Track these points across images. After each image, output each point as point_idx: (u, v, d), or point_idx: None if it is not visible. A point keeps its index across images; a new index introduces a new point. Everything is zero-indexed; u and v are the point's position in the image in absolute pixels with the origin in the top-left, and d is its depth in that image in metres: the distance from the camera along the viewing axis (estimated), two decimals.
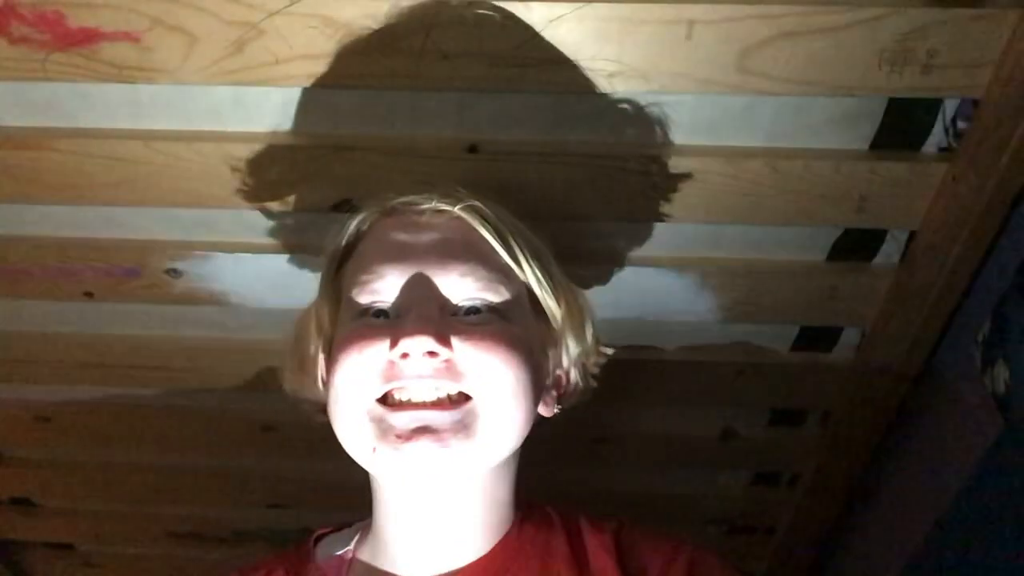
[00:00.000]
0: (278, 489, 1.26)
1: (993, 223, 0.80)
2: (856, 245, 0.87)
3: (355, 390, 0.57)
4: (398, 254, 0.60)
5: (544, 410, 0.65)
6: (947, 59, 0.69)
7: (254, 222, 0.88)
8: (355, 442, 0.58)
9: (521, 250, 0.63)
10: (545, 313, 0.65)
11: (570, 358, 0.67)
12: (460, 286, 0.59)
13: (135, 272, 0.93)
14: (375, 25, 0.69)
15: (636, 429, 1.12)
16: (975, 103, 0.72)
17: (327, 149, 0.80)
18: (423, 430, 0.55)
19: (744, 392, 1.03)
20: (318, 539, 0.71)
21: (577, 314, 0.67)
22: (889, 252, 0.87)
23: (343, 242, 0.66)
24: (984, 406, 0.84)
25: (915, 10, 0.67)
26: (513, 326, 0.60)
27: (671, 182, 0.80)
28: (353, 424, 0.58)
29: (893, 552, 1.07)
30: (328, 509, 1.26)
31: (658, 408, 1.09)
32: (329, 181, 0.82)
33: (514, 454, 0.63)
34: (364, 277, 0.60)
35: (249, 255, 0.91)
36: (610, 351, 0.71)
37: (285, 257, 0.91)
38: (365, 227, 0.66)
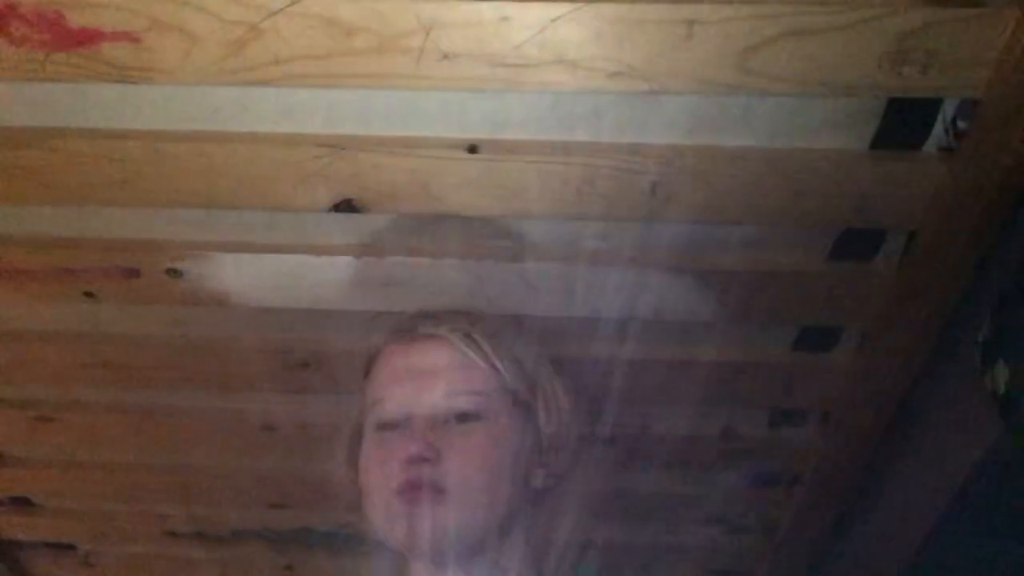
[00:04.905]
0: (278, 489, 1.26)
1: (993, 223, 0.80)
2: (856, 245, 0.87)
3: (376, 486, 0.77)
4: (401, 378, 0.79)
5: (538, 483, 0.81)
6: (947, 59, 0.69)
7: (254, 222, 0.88)
8: (382, 522, 0.76)
9: (504, 364, 0.80)
10: (528, 407, 0.81)
11: (552, 440, 0.82)
12: (451, 400, 0.77)
13: (135, 272, 0.93)
14: (375, 25, 0.69)
15: (636, 429, 1.12)
16: (975, 103, 0.72)
17: (327, 149, 0.80)
18: (418, 496, 0.73)
19: (744, 392, 1.03)
20: None
21: (555, 405, 0.83)
22: (889, 252, 0.87)
23: (365, 362, 0.85)
24: (984, 406, 0.84)
25: (915, 10, 0.67)
26: (496, 430, 0.77)
27: (671, 182, 0.80)
28: (380, 509, 0.76)
29: (893, 552, 1.07)
30: (328, 509, 1.26)
31: (658, 408, 1.09)
32: (329, 181, 0.82)
33: (501, 529, 0.77)
34: (377, 399, 0.80)
35: (249, 255, 0.91)
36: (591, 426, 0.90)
37: (285, 257, 0.92)
38: (378, 350, 0.84)
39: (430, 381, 0.78)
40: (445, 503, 0.73)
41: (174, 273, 0.93)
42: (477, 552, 0.76)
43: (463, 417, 0.77)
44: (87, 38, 0.70)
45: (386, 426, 0.79)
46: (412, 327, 0.82)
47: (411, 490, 0.73)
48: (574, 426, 0.85)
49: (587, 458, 0.91)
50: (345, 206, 0.84)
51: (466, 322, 0.82)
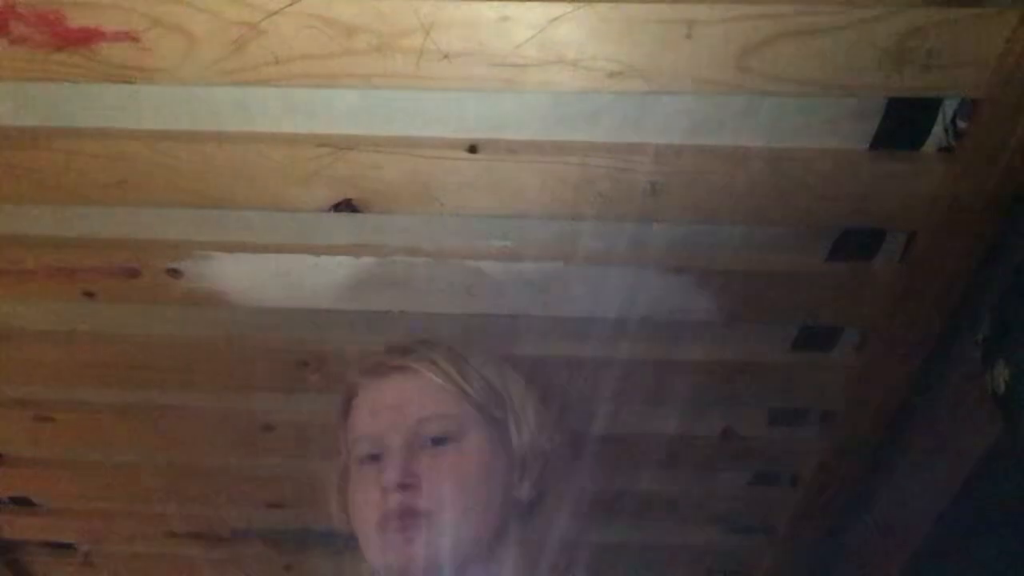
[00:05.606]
0: (278, 489, 1.26)
1: (993, 223, 0.80)
2: (856, 245, 0.87)
3: (364, 518, 0.80)
4: (375, 412, 0.83)
5: (523, 495, 0.84)
6: (947, 59, 0.69)
7: (254, 222, 0.88)
8: (373, 553, 0.79)
9: (471, 384, 0.83)
10: (500, 423, 0.84)
11: (530, 451, 0.85)
12: (424, 426, 0.81)
13: (135, 272, 0.93)
14: (375, 25, 0.69)
15: (636, 429, 1.12)
16: (975, 103, 0.72)
17: (327, 149, 0.80)
18: (403, 522, 0.76)
19: (744, 392, 1.03)
20: None
21: (527, 418, 0.85)
22: (889, 252, 0.87)
23: (342, 404, 0.88)
24: (984, 406, 0.84)
25: (915, 10, 0.67)
26: (471, 448, 0.81)
27: (671, 182, 0.80)
28: (370, 541, 0.79)
29: (893, 552, 1.07)
30: (328, 509, 1.26)
31: (658, 408, 1.09)
32: (329, 181, 0.82)
33: (490, 543, 0.80)
34: (355, 436, 0.84)
35: (249, 255, 0.91)
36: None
37: (285, 257, 0.91)
38: (352, 390, 0.87)
39: (402, 410, 0.82)
40: (430, 526, 0.76)
41: (174, 273, 0.93)
42: (468, 569, 0.78)
43: (438, 440, 0.81)
44: (87, 38, 0.70)
45: (367, 460, 0.82)
46: (381, 362, 0.86)
47: (396, 518, 0.76)
48: (552, 436, 0.87)
49: (581, 462, 0.92)
50: (345, 206, 0.83)
51: (431, 350, 0.85)
